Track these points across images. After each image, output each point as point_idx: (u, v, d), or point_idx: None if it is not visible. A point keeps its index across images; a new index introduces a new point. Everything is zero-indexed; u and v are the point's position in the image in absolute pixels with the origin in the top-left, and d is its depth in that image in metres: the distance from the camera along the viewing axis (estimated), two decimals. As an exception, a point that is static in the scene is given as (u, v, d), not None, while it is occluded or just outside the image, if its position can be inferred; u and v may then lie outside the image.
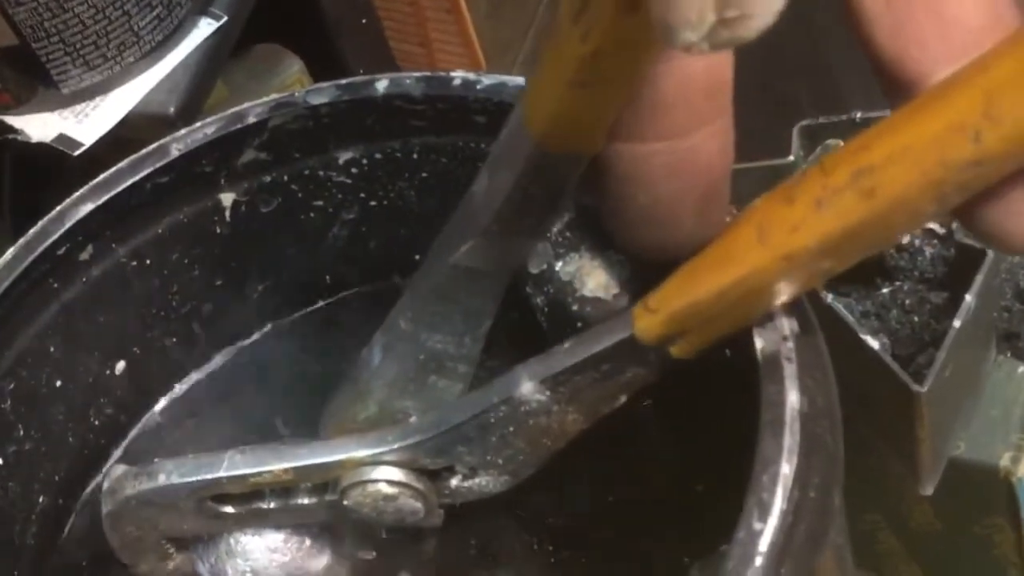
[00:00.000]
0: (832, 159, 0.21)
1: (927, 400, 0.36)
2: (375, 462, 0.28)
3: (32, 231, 0.30)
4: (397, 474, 0.28)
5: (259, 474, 0.29)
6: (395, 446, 0.28)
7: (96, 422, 0.33)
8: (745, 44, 0.17)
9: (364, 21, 0.63)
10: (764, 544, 0.22)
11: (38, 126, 0.48)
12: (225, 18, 0.50)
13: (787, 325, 0.24)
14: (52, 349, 0.32)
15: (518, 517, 0.32)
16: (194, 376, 0.35)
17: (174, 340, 0.34)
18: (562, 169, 0.25)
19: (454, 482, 0.29)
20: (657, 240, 0.25)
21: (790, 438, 0.23)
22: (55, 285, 0.31)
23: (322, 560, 0.30)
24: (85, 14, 0.45)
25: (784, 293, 0.23)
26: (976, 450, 0.39)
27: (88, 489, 0.34)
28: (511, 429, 0.27)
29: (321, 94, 0.31)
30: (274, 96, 0.31)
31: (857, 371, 0.26)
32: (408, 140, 0.32)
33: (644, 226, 0.25)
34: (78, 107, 0.48)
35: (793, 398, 0.23)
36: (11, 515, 0.31)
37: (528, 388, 0.26)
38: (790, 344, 0.24)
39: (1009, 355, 0.40)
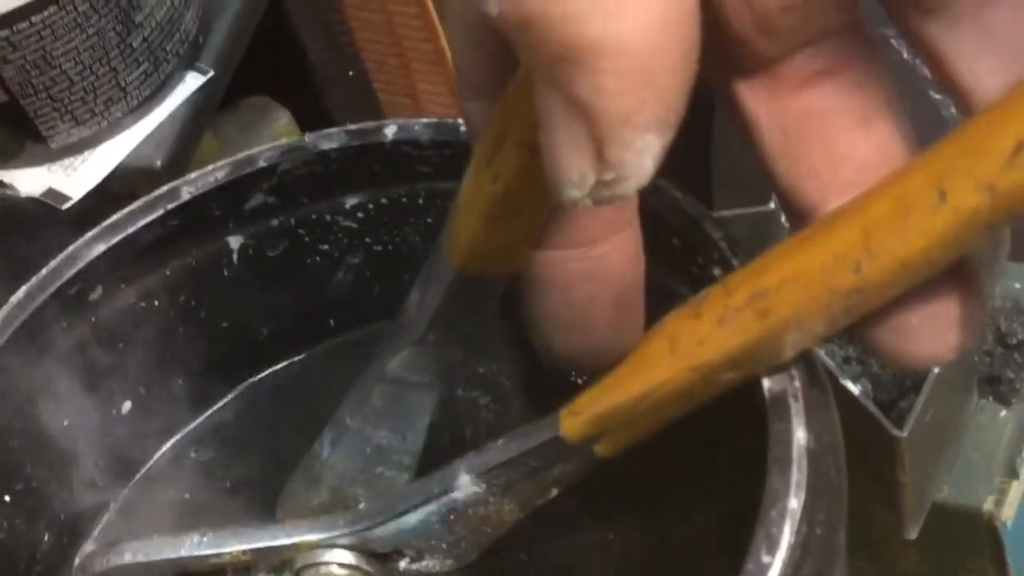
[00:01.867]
0: (735, 279, 0.24)
1: (908, 445, 0.37)
2: (327, 545, 0.30)
3: (44, 271, 0.31)
4: (348, 557, 0.30)
5: (219, 555, 0.30)
6: (345, 531, 0.30)
7: (102, 462, 0.34)
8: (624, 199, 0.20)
9: (351, 73, 0.64)
10: (773, 577, 0.23)
11: (27, 180, 0.48)
12: (212, 72, 0.51)
13: (794, 367, 0.25)
14: (60, 388, 0.32)
15: (509, 561, 0.33)
16: (200, 417, 0.36)
17: (180, 382, 0.35)
18: (483, 290, 0.27)
19: (402, 564, 0.30)
20: (574, 346, 0.26)
21: (797, 474, 0.24)
22: (64, 324, 0.32)
23: None
24: (72, 70, 0.46)
25: (695, 399, 0.25)
26: (959, 494, 0.40)
27: (94, 531, 0.34)
28: (452, 518, 0.29)
29: (331, 139, 0.32)
30: (284, 141, 0.32)
31: (839, 416, 0.27)
32: (414, 186, 0.33)
33: (560, 332, 0.26)
34: (66, 161, 0.48)
35: (800, 435, 0.24)
36: (16, 553, 0.31)
37: (465, 480, 0.28)
38: (797, 383, 0.25)
39: (991, 399, 0.41)
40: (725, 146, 0.41)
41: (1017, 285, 0.43)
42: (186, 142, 0.50)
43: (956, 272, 0.22)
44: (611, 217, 0.25)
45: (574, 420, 0.26)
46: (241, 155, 0.32)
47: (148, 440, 0.35)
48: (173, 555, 0.30)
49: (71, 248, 0.31)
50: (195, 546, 0.30)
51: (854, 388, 0.38)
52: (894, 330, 0.23)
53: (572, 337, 0.26)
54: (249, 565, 0.31)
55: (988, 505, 0.40)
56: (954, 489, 0.40)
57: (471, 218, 0.26)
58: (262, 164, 0.32)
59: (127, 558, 0.31)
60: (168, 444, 0.35)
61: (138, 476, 0.35)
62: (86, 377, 0.33)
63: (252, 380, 0.36)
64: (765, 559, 0.23)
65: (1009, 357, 0.41)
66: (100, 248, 0.31)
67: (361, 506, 0.32)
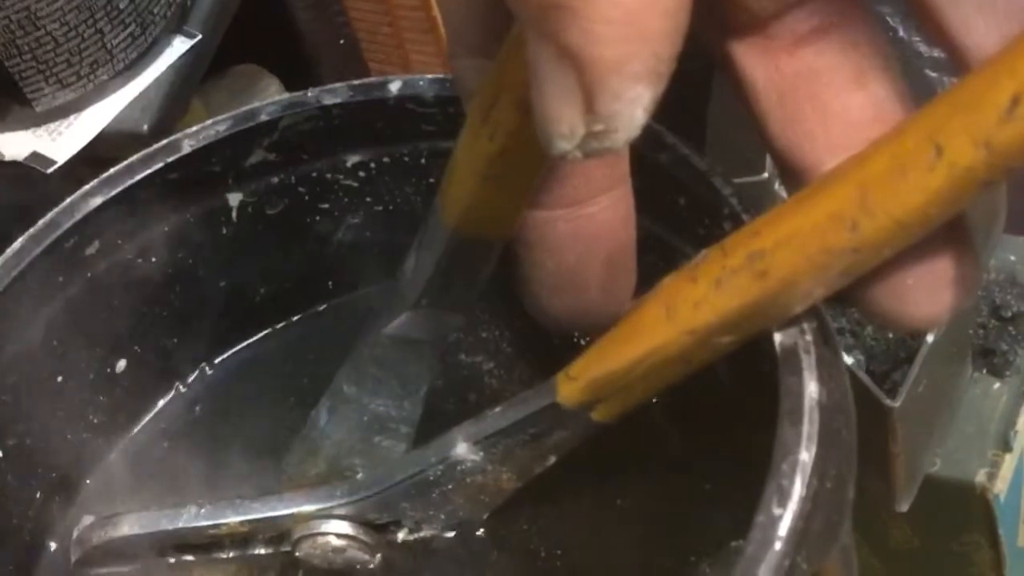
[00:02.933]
0: (731, 241, 0.24)
1: (900, 415, 0.37)
2: (325, 516, 0.30)
3: (40, 223, 0.31)
4: (346, 527, 0.30)
5: (216, 526, 0.30)
6: (343, 501, 0.30)
7: (95, 420, 0.33)
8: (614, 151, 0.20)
9: (342, 42, 0.64)
10: (784, 529, 0.23)
11: (11, 144, 0.48)
12: (200, 36, 0.51)
13: (805, 321, 0.25)
14: (55, 344, 0.31)
15: (510, 526, 0.33)
16: (194, 377, 0.35)
17: (176, 341, 0.34)
18: (477, 253, 0.27)
19: (400, 535, 0.30)
20: (565, 307, 0.27)
21: (809, 426, 0.23)
22: (60, 279, 0.31)
23: None
24: (57, 32, 0.46)
25: (692, 363, 0.25)
26: (952, 467, 0.40)
27: (87, 487, 0.34)
28: (450, 487, 0.29)
29: (334, 94, 0.31)
30: (287, 95, 0.31)
31: None
32: (417, 144, 0.33)
33: (552, 293, 0.26)
34: (52, 125, 0.48)
35: (812, 388, 0.24)
36: (8, 509, 0.31)
37: (463, 449, 0.28)
38: (808, 338, 0.25)
39: (985, 372, 0.41)
40: (721, 116, 0.41)
41: (1012, 258, 0.43)
42: (173, 107, 0.49)
43: (951, 232, 0.22)
44: (601, 176, 0.25)
45: (571, 386, 0.26)
46: (243, 109, 0.31)
47: (143, 399, 0.35)
48: (171, 527, 0.30)
49: (68, 200, 0.31)
50: (192, 517, 0.30)
51: (847, 359, 0.38)
52: (890, 291, 0.23)
53: (564, 298, 0.26)
54: (247, 536, 0.31)
55: (981, 478, 0.40)
56: (947, 462, 0.40)
57: (466, 178, 0.26)
58: (264, 118, 0.31)
59: (124, 530, 0.30)
60: (162, 403, 0.35)
61: (132, 435, 0.35)
62: (81, 333, 0.32)
63: (250, 340, 0.36)
64: (776, 511, 0.23)
65: (1003, 330, 0.41)
66: (97, 201, 0.30)
67: (359, 476, 0.32)
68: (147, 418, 0.35)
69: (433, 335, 0.30)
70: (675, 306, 0.24)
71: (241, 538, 0.31)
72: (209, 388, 0.35)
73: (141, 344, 0.34)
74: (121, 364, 0.33)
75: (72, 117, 0.47)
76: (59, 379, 0.32)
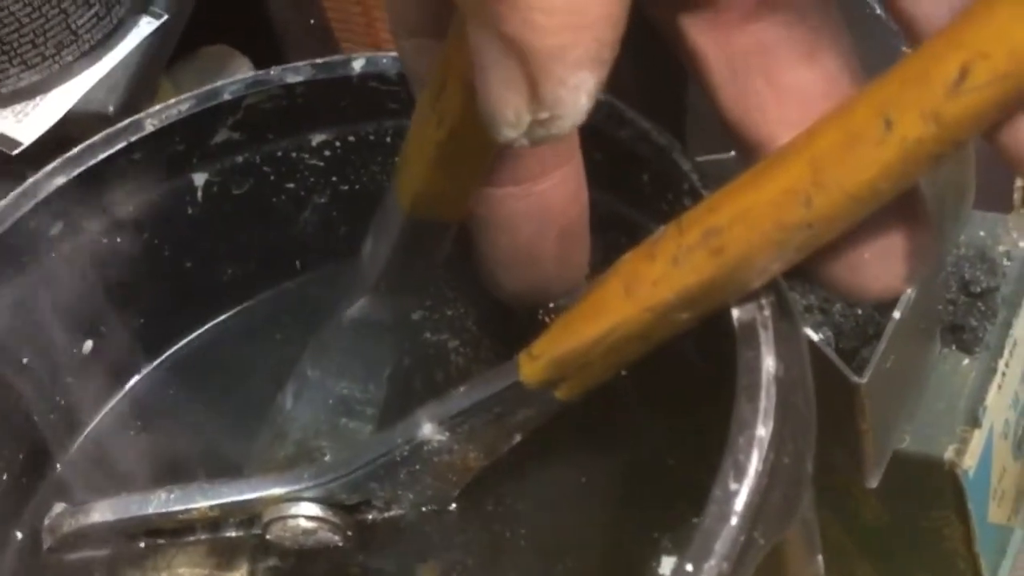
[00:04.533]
0: (688, 218, 0.24)
1: (868, 391, 0.37)
2: (294, 499, 0.30)
3: (2, 203, 0.30)
4: (315, 510, 0.30)
5: (187, 511, 0.30)
6: (311, 484, 0.30)
7: (62, 401, 0.33)
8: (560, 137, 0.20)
9: (312, 22, 0.64)
10: (739, 504, 0.23)
11: (-24, 126, 0.48)
12: (166, 16, 0.51)
13: (763, 296, 0.25)
14: (20, 324, 0.31)
15: (477, 505, 0.33)
16: (163, 358, 0.35)
17: (142, 321, 0.34)
18: (433, 235, 0.28)
19: (371, 515, 0.30)
20: (521, 283, 0.27)
21: (766, 401, 0.24)
22: (23, 259, 0.31)
23: (241, 573, 0.32)
24: (21, 12, 0.45)
25: (651, 340, 0.25)
26: (921, 443, 0.40)
27: (51, 472, 0.34)
28: (417, 467, 0.29)
29: (297, 72, 0.31)
30: (250, 74, 0.31)
31: None
32: (382, 123, 0.33)
33: (507, 269, 0.27)
34: (17, 107, 0.48)
35: (769, 363, 0.24)
36: None
37: (428, 429, 0.28)
38: (767, 312, 0.25)
39: (954, 348, 0.42)
40: (696, 92, 0.41)
41: (982, 233, 0.43)
42: (140, 87, 0.49)
43: (905, 205, 0.23)
44: (552, 153, 0.25)
45: (533, 365, 0.26)
46: (205, 88, 0.31)
47: (110, 381, 0.35)
48: (140, 512, 0.30)
49: (29, 181, 0.30)
50: (162, 503, 0.30)
51: (816, 336, 0.39)
52: (847, 265, 0.23)
53: (520, 273, 0.27)
54: (217, 520, 0.31)
55: (950, 454, 0.40)
56: (916, 438, 0.40)
57: (418, 163, 0.26)
58: (227, 97, 0.31)
59: (95, 517, 0.30)
60: (129, 385, 0.35)
61: (99, 417, 0.35)
62: (45, 314, 0.32)
63: (216, 320, 0.36)
64: (732, 486, 0.23)
65: (972, 306, 0.42)
66: (60, 180, 0.30)
67: (327, 458, 0.32)
68: (114, 400, 0.35)
69: (393, 317, 0.30)
70: (634, 284, 0.24)
71: (211, 522, 0.31)
72: (176, 370, 0.35)
73: (107, 325, 0.34)
74: (88, 345, 0.33)
75: (38, 98, 0.47)
76: (24, 360, 0.32)
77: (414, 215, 0.27)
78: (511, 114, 0.19)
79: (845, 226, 0.22)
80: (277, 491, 0.30)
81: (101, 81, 0.47)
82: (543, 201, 0.25)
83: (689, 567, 0.22)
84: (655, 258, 0.24)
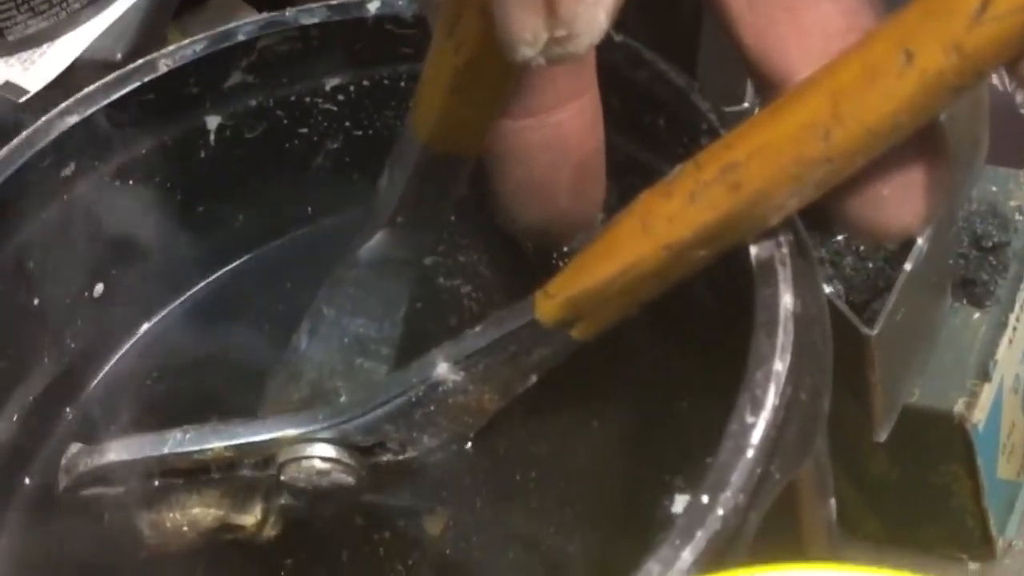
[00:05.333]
0: (705, 155, 0.24)
1: (878, 343, 0.37)
2: (308, 440, 0.30)
3: (15, 141, 0.30)
4: (330, 451, 0.30)
5: (202, 451, 0.30)
6: (326, 424, 0.30)
7: (73, 345, 0.33)
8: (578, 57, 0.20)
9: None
10: (756, 437, 0.23)
11: (-17, 74, 0.47)
12: (175, -36, 0.50)
13: (781, 234, 0.25)
14: (31, 265, 0.31)
15: (490, 449, 0.33)
16: (173, 303, 0.35)
17: (154, 266, 0.34)
18: (449, 168, 0.28)
19: (385, 457, 0.30)
20: (536, 217, 0.27)
21: (783, 337, 0.24)
22: (36, 200, 0.31)
23: (254, 514, 0.31)
24: (29, -42, 0.45)
25: (668, 279, 0.25)
26: (931, 397, 0.40)
27: (63, 417, 0.34)
28: (432, 408, 0.29)
29: (312, 14, 0.31)
30: (264, 14, 0.31)
31: None
32: (396, 67, 0.33)
33: (522, 203, 0.27)
34: (24, 54, 0.47)
35: (787, 299, 0.24)
36: None
37: (444, 369, 0.28)
38: (784, 250, 0.25)
39: (965, 302, 0.42)
40: (706, 46, 0.40)
41: (993, 188, 0.43)
42: (148, 35, 0.49)
43: (924, 142, 0.23)
44: (567, 84, 0.25)
45: (549, 303, 0.26)
46: (219, 29, 0.31)
47: (121, 325, 0.35)
48: (155, 453, 0.30)
49: (43, 119, 0.30)
50: (177, 443, 0.30)
51: (826, 287, 0.38)
52: (865, 202, 0.23)
53: (534, 208, 0.27)
54: (232, 461, 0.31)
55: (959, 408, 0.40)
56: (925, 392, 0.40)
57: (435, 92, 0.26)
58: (241, 38, 0.31)
59: (110, 457, 0.30)
60: (142, 330, 0.35)
61: (111, 363, 0.35)
62: (57, 256, 0.32)
63: (228, 267, 0.36)
64: (749, 419, 0.23)
65: (984, 260, 0.41)
66: (73, 119, 0.30)
67: (341, 399, 0.32)
68: (127, 345, 0.35)
69: (409, 253, 0.30)
70: (650, 221, 0.24)
71: (226, 463, 0.31)
72: (188, 314, 0.35)
73: (119, 268, 0.33)
74: (99, 288, 0.33)
75: (45, 46, 0.47)
76: (35, 302, 0.32)
77: (430, 147, 0.27)
78: (528, 33, 0.19)
79: (864, 161, 0.22)
80: (292, 432, 0.30)
81: (109, 29, 0.47)
82: (558, 133, 0.25)
83: (705, 499, 0.22)
84: (672, 195, 0.24)
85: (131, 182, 0.33)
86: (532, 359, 0.28)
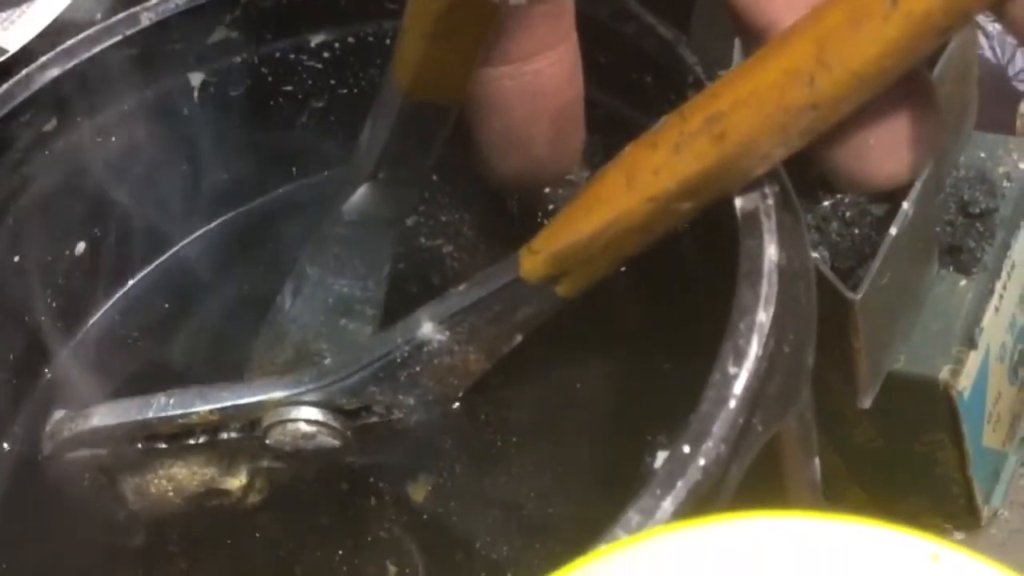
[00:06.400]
0: (689, 106, 0.24)
1: (862, 308, 0.37)
2: (294, 403, 0.30)
3: (-5, 94, 0.30)
4: (315, 414, 0.30)
5: (186, 415, 0.30)
6: (311, 387, 0.29)
7: (54, 304, 0.33)
8: None
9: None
10: (738, 387, 0.23)
11: (-37, 34, 0.47)
12: (156, -78, 0.49)
13: (767, 186, 0.25)
14: (11, 222, 0.31)
15: (472, 413, 0.33)
16: (155, 262, 0.35)
17: (136, 225, 0.34)
18: (430, 119, 0.27)
19: (371, 420, 0.30)
20: (514, 166, 0.27)
21: (767, 288, 0.23)
22: (17, 155, 0.31)
23: (240, 478, 0.31)
24: (7, -86, 0.44)
25: (654, 232, 0.25)
26: (916, 363, 0.40)
27: (41, 378, 0.33)
28: (417, 369, 0.29)
29: (296, -32, 0.31)
30: (248, -31, 0.31)
31: None
32: (381, 24, 0.32)
33: (501, 151, 0.27)
34: (3, 14, 0.47)
35: (771, 251, 0.24)
36: None
37: (428, 329, 0.28)
38: (770, 202, 0.24)
39: (952, 269, 0.41)
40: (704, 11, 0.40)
41: (982, 154, 0.43)
42: (127, -3, 0.48)
43: (912, 92, 0.23)
44: (546, 32, 0.25)
45: (533, 260, 0.26)
46: (202, -18, 0.31)
47: (103, 285, 0.34)
48: (140, 417, 0.30)
49: (23, 72, 0.30)
50: (162, 408, 0.30)
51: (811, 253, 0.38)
52: (852, 152, 0.23)
53: (512, 156, 0.27)
54: (217, 424, 0.30)
55: (944, 375, 0.40)
56: (910, 359, 0.40)
57: (416, 38, 0.26)
58: (224, -8, 0.31)
59: (95, 421, 0.30)
60: (122, 291, 0.35)
61: (91, 323, 0.34)
62: (38, 213, 0.32)
63: (212, 225, 0.35)
64: (732, 370, 0.23)
65: (971, 226, 0.41)
66: (54, 72, 0.30)
67: (326, 361, 0.31)
68: (107, 305, 0.35)
69: (391, 211, 0.30)
70: (635, 174, 0.24)
71: (211, 426, 0.30)
72: (170, 274, 0.35)
73: (101, 228, 0.33)
74: (81, 247, 0.33)
75: (24, 6, 0.46)
76: (15, 259, 0.31)
77: (412, 97, 0.27)
78: None
79: (849, 108, 0.22)
80: (277, 395, 0.30)
81: (89, -11, 0.46)
82: (536, 81, 0.25)
83: (686, 449, 0.22)
84: (657, 147, 0.24)
85: (113, 139, 0.32)
86: (517, 317, 0.28)
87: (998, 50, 0.45)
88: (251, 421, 0.30)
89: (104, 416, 0.30)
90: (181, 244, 0.35)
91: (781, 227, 0.24)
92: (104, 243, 0.33)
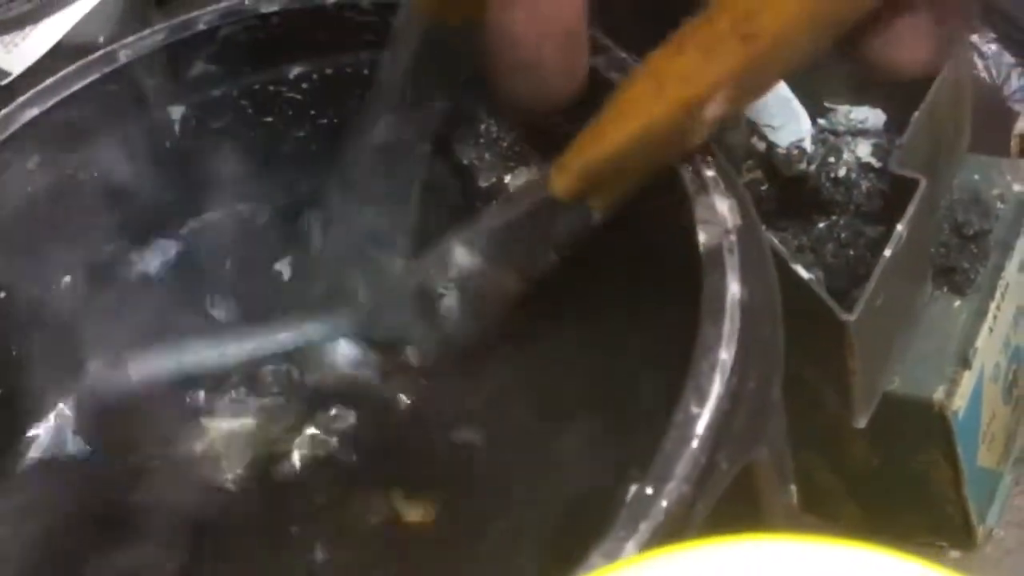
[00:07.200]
0: (715, 8, 0.23)
1: (857, 329, 0.36)
2: (330, 340, 0.30)
3: (-26, 136, 0.30)
4: (352, 350, 0.30)
5: (222, 357, 0.30)
6: (346, 323, 0.30)
7: (39, 336, 0.33)
8: None
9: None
10: (701, 427, 0.22)
11: (-34, 56, 0.47)
12: (158, -53, 0.50)
13: (730, 219, 0.25)
14: (-2, 265, 0.31)
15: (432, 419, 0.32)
16: (140, 297, 0.35)
17: (120, 256, 0.34)
18: (449, 40, 0.27)
19: (406, 353, 0.30)
20: (528, 87, 0.26)
21: (729, 325, 0.23)
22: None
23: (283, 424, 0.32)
24: (12, -61, 0.45)
25: (684, 140, 0.25)
26: (911, 384, 0.40)
27: (31, 433, 0.34)
28: (452, 296, 0.28)
29: (271, 2, 0.31)
30: (224, 3, 0.31)
31: (791, 306, 0.26)
32: (358, 55, 0.32)
33: (513, 74, 0.26)
34: (7, 37, 0.47)
35: (734, 288, 0.24)
36: None
37: (461, 252, 0.28)
38: (732, 237, 0.24)
39: (946, 289, 0.41)
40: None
41: (975, 176, 0.43)
42: (131, 19, 0.48)
43: None
44: None
45: (565, 176, 0.26)
46: (179, 18, 0.31)
47: (85, 314, 0.34)
48: (175, 364, 0.30)
49: (3, 111, 0.30)
50: (197, 352, 0.30)
51: (806, 275, 0.38)
52: (884, 41, 0.25)
53: (525, 77, 0.26)
54: (253, 369, 0.30)
55: (939, 395, 0.39)
56: (905, 379, 0.40)
57: None
58: (201, 27, 0.31)
59: (133, 370, 0.30)
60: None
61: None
62: (22, 248, 0.32)
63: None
64: (694, 410, 0.23)
65: (965, 247, 0.41)
66: (33, 112, 0.30)
67: (359, 296, 0.31)
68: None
69: (417, 135, 0.29)
70: (664, 80, 0.24)
71: (248, 370, 0.31)
72: (151, 304, 0.35)
73: (84, 260, 0.33)
74: (66, 280, 0.33)
75: (28, 28, 0.47)
76: (1, 295, 0.32)
77: (430, 17, 0.27)
78: None
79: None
80: (312, 333, 0.30)
81: (92, 12, 0.46)
82: (541, 5, 0.25)
83: (649, 490, 0.22)
84: (685, 51, 0.24)
85: (96, 174, 0.32)
86: (551, 236, 0.27)
87: (993, 71, 0.44)
88: (288, 362, 0.30)
89: (140, 364, 0.30)
90: (162, 272, 0.35)
91: (745, 262, 0.24)
92: (88, 275, 0.34)
